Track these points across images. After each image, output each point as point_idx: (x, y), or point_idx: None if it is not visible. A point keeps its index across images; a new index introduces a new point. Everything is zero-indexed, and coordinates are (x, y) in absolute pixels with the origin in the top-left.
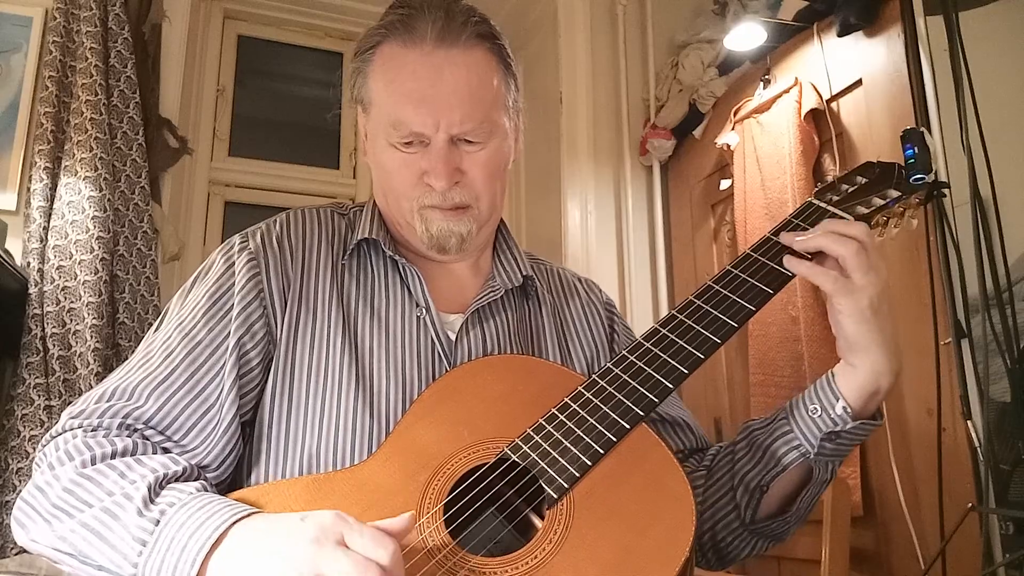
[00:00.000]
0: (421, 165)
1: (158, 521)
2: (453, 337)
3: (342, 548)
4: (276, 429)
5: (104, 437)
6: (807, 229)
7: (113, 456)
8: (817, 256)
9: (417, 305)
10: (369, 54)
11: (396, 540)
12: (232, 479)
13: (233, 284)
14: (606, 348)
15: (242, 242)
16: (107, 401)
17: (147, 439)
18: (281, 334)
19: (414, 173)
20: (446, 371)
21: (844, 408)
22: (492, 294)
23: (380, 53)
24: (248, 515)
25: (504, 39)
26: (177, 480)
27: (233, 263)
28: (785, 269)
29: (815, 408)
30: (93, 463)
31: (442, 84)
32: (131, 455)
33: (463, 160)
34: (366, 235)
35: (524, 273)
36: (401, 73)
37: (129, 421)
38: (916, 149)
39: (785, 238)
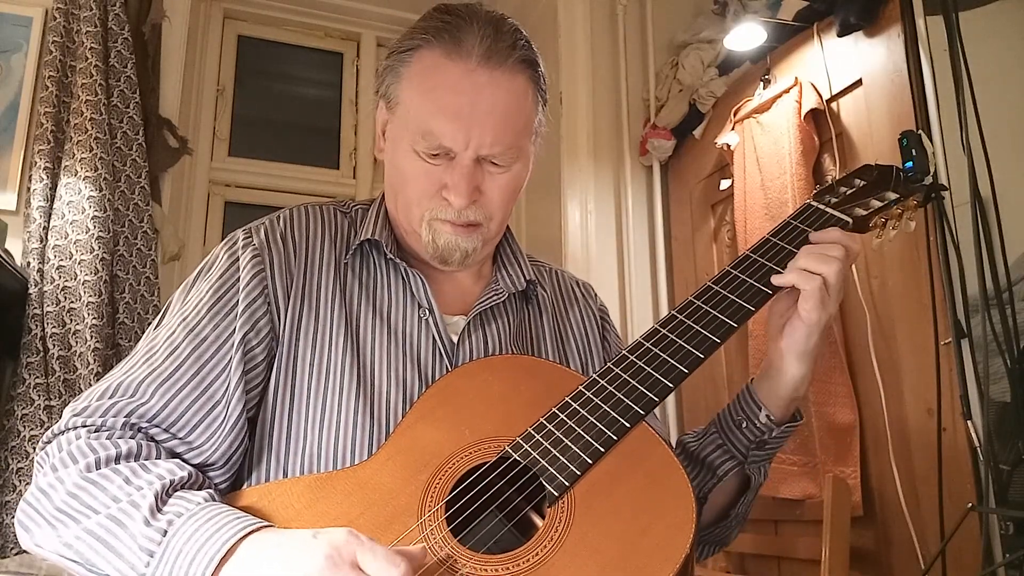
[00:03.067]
0: (442, 178)
1: (165, 531)
2: (455, 339)
3: (355, 569)
4: (278, 428)
5: (108, 439)
6: (806, 231)
7: (118, 460)
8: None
9: (420, 306)
10: (407, 55)
11: (408, 562)
12: (235, 478)
13: (238, 280)
14: (600, 355)
15: (246, 238)
16: (111, 398)
17: (152, 439)
18: (284, 331)
19: (433, 184)
20: (447, 372)
21: (767, 416)
22: (495, 298)
23: (420, 57)
24: (258, 528)
25: (542, 64)
26: (184, 486)
27: (238, 259)
28: (781, 270)
29: (740, 419)
30: (98, 467)
31: (481, 103)
32: (136, 459)
33: (484, 180)
34: (369, 236)
35: (527, 278)
36: (441, 85)
37: (133, 419)
38: (915, 153)
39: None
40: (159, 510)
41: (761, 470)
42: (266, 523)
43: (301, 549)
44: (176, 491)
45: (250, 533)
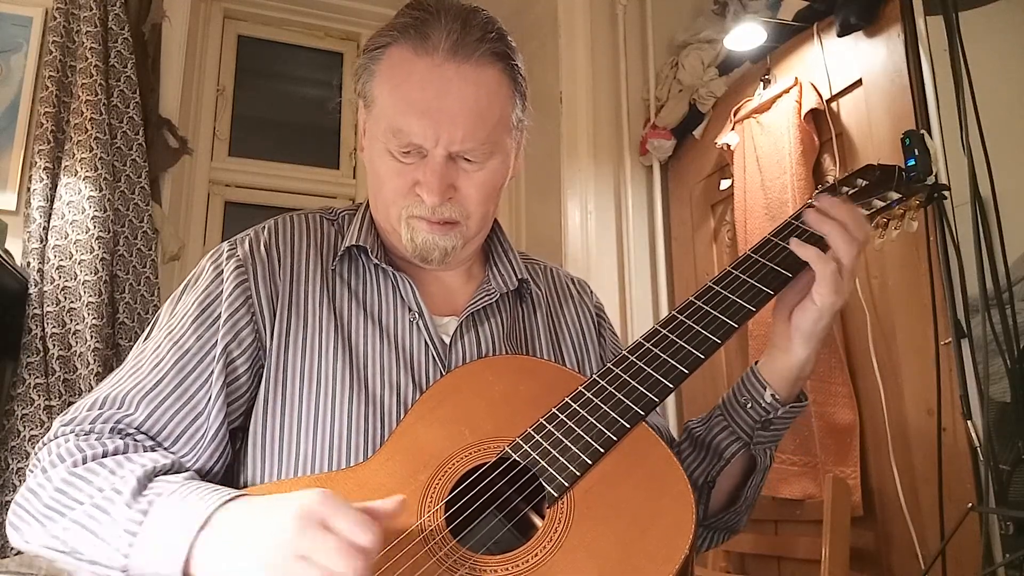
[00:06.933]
0: (415, 176)
1: (147, 511)
2: (447, 341)
3: (324, 530)
4: (270, 437)
5: (96, 439)
6: (808, 231)
7: (104, 455)
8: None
9: (410, 310)
10: (378, 52)
11: (380, 523)
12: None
13: (221, 292)
14: (596, 352)
15: (230, 249)
16: (99, 409)
17: (138, 442)
18: (271, 341)
19: (406, 183)
20: (440, 375)
21: (772, 396)
22: (487, 298)
23: (389, 54)
24: (234, 498)
25: (518, 56)
26: (167, 472)
27: (221, 271)
28: (783, 271)
29: (745, 400)
30: (84, 463)
31: (448, 99)
32: (122, 454)
33: (459, 177)
34: (355, 242)
35: (520, 277)
36: (408, 81)
37: (121, 427)
38: (917, 152)
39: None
40: (140, 493)
41: (767, 452)
42: (242, 492)
43: (272, 511)
44: (158, 475)
45: (226, 503)
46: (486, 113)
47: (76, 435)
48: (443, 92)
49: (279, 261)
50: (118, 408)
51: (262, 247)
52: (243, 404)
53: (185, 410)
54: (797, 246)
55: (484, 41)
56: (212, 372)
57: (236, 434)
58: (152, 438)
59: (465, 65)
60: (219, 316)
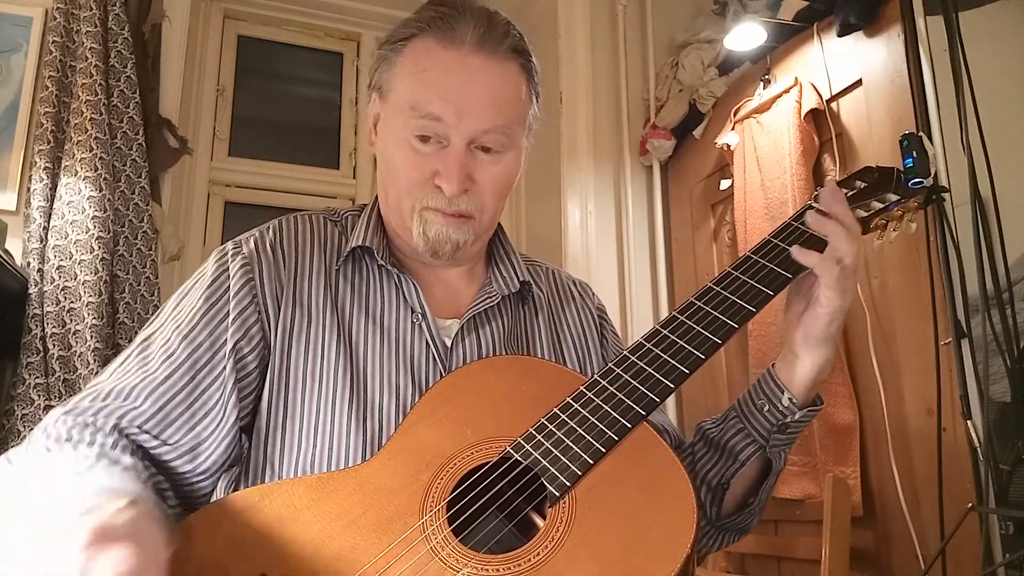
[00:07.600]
0: (434, 166)
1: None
2: (449, 343)
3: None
4: (272, 436)
5: (90, 433)
6: (807, 233)
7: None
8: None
9: (413, 311)
10: (401, 44)
11: None
12: (231, 485)
13: (228, 288)
14: (598, 354)
15: (235, 248)
16: (102, 400)
17: (139, 446)
18: (276, 339)
19: (424, 173)
20: (441, 377)
21: (790, 399)
22: (489, 300)
23: (413, 45)
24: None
25: (534, 56)
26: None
27: (227, 268)
28: (783, 271)
29: (762, 403)
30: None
31: (474, 87)
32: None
33: (476, 169)
34: (360, 243)
35: (521, 279)
36: (434, 67)
37: (123, 424)
38: (915, 154)
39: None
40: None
41: (781, 455)
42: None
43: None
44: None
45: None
46: (508, 106)
47: (77, 424)
48: (469, 81)
49: (284, 260)
50: (124, 401)
51: (267, 246)
52: (252, 402)
53: (197, 405)
54: (799, 253)
55: (508, 37)
56: (225, 368)
57: (242, 432)
58: (156, 436)
59: (491, 60)
60: (227, 313)
